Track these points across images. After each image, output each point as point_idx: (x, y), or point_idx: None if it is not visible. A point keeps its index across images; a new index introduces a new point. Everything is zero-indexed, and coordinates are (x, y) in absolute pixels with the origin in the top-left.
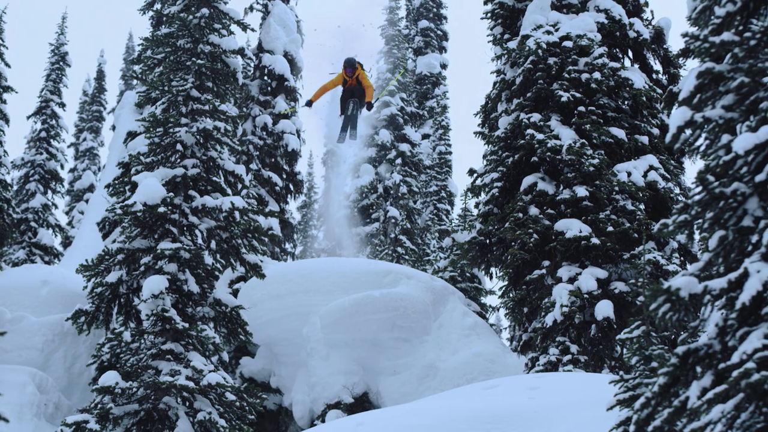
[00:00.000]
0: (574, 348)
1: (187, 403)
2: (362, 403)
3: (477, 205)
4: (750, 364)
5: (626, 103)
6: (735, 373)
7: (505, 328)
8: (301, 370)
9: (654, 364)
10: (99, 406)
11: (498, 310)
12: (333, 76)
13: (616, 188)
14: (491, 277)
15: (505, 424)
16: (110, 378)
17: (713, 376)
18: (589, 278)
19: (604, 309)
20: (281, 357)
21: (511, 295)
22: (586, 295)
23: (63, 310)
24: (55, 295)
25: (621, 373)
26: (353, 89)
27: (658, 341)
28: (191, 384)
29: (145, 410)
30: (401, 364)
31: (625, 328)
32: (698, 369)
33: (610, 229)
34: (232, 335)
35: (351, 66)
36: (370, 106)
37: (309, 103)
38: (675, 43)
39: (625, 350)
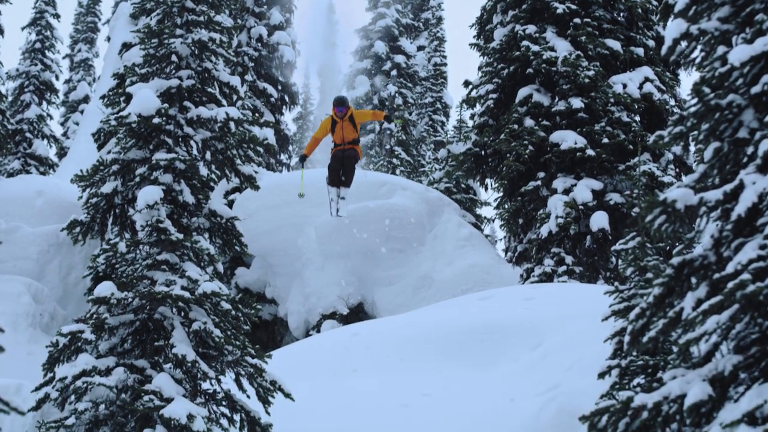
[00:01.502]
0: (569, 259)
1: (183, 313)
2: (357, 314)
3: (472, 117)
4: (745, 275)
5: (622, 15)
6: (730, 284)
7: (500, 240)
8: (296, 280)
9: (649, 275)
10: (94, 316)
11: (493, 221)
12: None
13: (612, 100)
14: (486, 189)
15: (500, 335)
16: (105, 288)
17: (708, 287)
18: (584, 190)
19: (600, 220)
20: (276, 268)
21: (506, 206)
22: (581, 207)
23: (58, 220)
24: (50, 206)
25: (616, 284)
26: (343, 150)
27: (653, 252)
28: (186, 294)
29: (140, 320)
30: (396, 274)
31: (620, 240)
32: (693, 280)
33: (606, 140)
34: (228, 246)
35: (341, 105)
36: (389, 119)
37: (303, 158)
38: None
39: (620, 261)
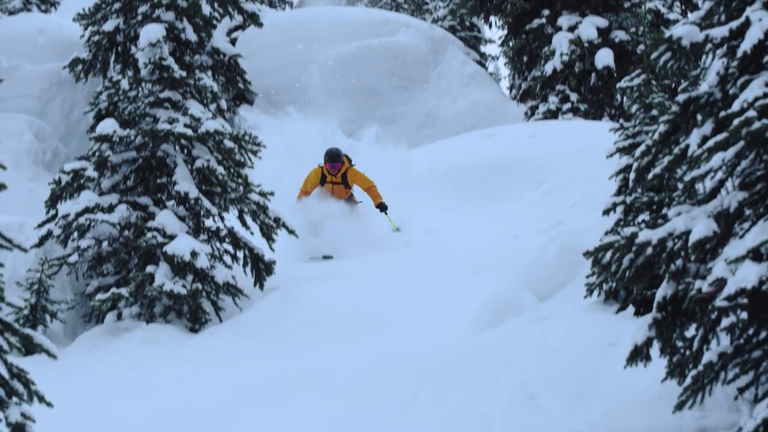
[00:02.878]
0: (573, 96)
1: (185, 151)
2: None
3: None
4: (751, 112)
5: None
6: (736, 121)
7: (505, 77)
8: None
9: (654, 112)
10: (97, 153)
11: (497, 59)
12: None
13: None
14: (490, 26)
15: (504, 172)
16: (108, 126)
17: (714, 124)
18: (589, 27)
19: (605, 57)
20: (280, 106)
21: (510, 44)
22: (586, 44)
23: (60, 58)
24: (52, 44)
25: (621, 121)
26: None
27: (658, 89)
28: (189, 131)
29: (143, 158)
30: (400, 112)
31: (625, 77)
32: (699, 117)
33: None
34: (231, 83)
35: (335, 159)
36: (383, 207)
37: (293, 233)
38: None
39: (625, 98)
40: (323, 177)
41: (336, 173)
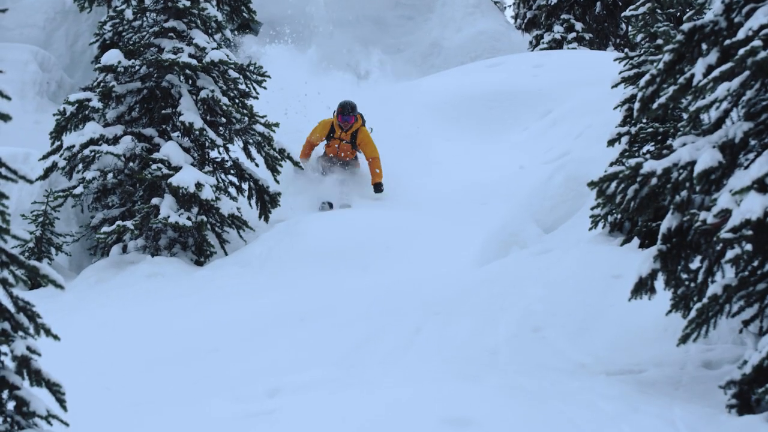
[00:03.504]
0: (578, 25)
1: (190, 81)
2: (365, 82)
3: None
4: (756, 42)
5: None
6: (741, 51)
7: (509, 6)
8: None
9: (659, 41)
10: (101, 84)
11: None
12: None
13: None
14: None
15: (509, 102)
16: (112, 56)
17: (719, 53)
18: None
19: None
20: (284, 36)
21: None
22: None
23: None
24: None
25: (626, 50)
26: (343, 156)
27: (663, 18)
28: (194, 62)
29: (147, 88)
30: (405, 42)
31: (630, 5)
32: (704, 46)
33: None
34: (235, 13)
35: (349, 112)
36: (379, 188)
37: (298, 165)
38: None
39: (630, 27)
40: (332, 130)
41: (347, 129)
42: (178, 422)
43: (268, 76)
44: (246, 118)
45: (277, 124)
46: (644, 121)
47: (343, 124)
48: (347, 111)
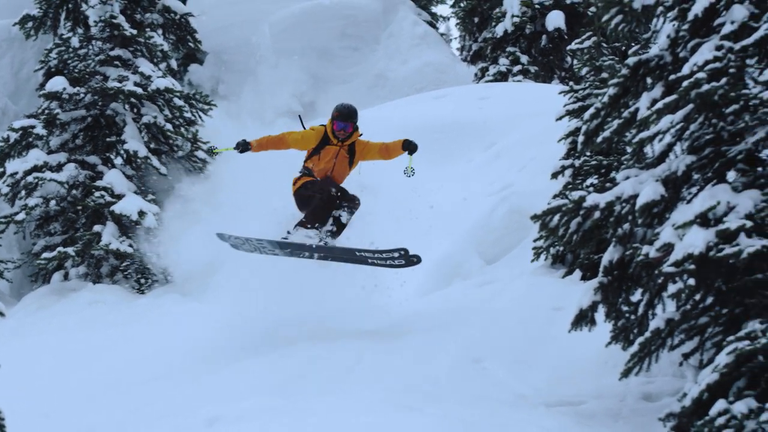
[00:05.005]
0: (524, 58)
1: (135, 110)
2: (311, 113)
3: None
4: (701, 75)
5: None
6: (685, 84)
7: (455, 38)
8: (250, 78)
9: (604, 74)
10: (46, 111)
11: (448, 19)
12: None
13: None
14: None
15: (454, 134)
16: (57, 83)
17: (663, 87)
18: None
19: (556, 19)
20: (230, 65)
21: (461, 4)
22: (537, 6)
23: (10, 15)
24: (2, 1)
25: (571, 83)
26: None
27: (608, 52)
28: (139, 90)
29: (92, 116)
30: (351, 73)
31: (576, 39)
32: (649, 80)
33: None
34: (181, 42)
35: (347, 118)
36: (411, 146)
37: (244, 147)
38: None
39: (575, 61)
40: (324, 139)
41: (344, 138)
42: None
43: (215, 105)
44: (188, 144)
45: (219, 152)
46: (588, 154)
47: (339, 132)
48: (346, 116)
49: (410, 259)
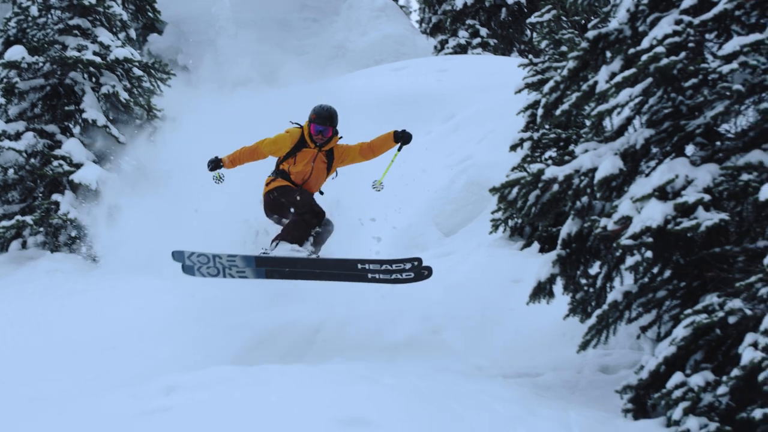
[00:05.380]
0: (483, 31)
1: (94, 79)
2: (271, 83)
3: None
4: (660, 49)
5: None
6: (644, 57)
7: (415, 10)
8: (209, 48)
9: (564, 48)
10: (4, 80)
11: None
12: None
13: None
14: None
15: (413, 106)
16: (16, 52)
17: (623, 60)
18: None
19: None
20: (189, 35)
21: None
22: None
23: None
24: None
25: (530, 57)
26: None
27: (568, 26)
28: (98, 59)
29: (51, 85)
30: (310, 44)
31: (535, 12)
32: (608, 54)
33: None
34: (140, 12)
35: (327, 122)
36: (404, 137)
37: (215, 164)
38: None
39: (535, 34)
40: (301, 142)
41: (325, 143)
42: (75, 419)
43: (173, 74)
44: (145, 114)
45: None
46: (547, 127)
47: (317, 137)
48: (324, 119)
49: (421, 272)
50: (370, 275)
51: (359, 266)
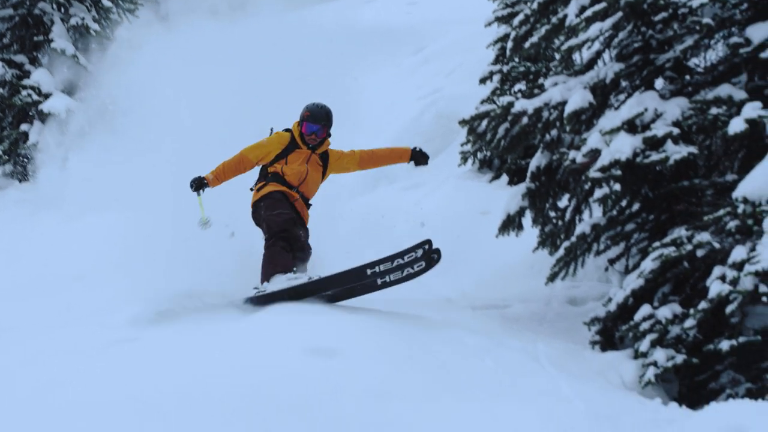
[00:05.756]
0: None
1: (63, 9)
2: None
3: None
4: None
5: None
6: None
7: None
8: None
9: None
10: None
11: None
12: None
13: None
14: None
15: (382, 38)
16: None
17: None
18: None
19: None
20: None
21: None
22: None
23: None
24: None
25: None
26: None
27: None
28: None
29: (20, 15)
30: None
31: None
32: None
33: None
34: None
35: (321, 120)
36: (420, 156)
37: (199, 184)
38: None
39: None
40: (292, 146)
41: (318, 145)
42: (43, 350)
43: (141, 4)
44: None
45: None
46: (516, 60)
47: (310, 138)
48: (319, 118)
49: (431, 258)
50: (380, 280)
51: (368, 271)
